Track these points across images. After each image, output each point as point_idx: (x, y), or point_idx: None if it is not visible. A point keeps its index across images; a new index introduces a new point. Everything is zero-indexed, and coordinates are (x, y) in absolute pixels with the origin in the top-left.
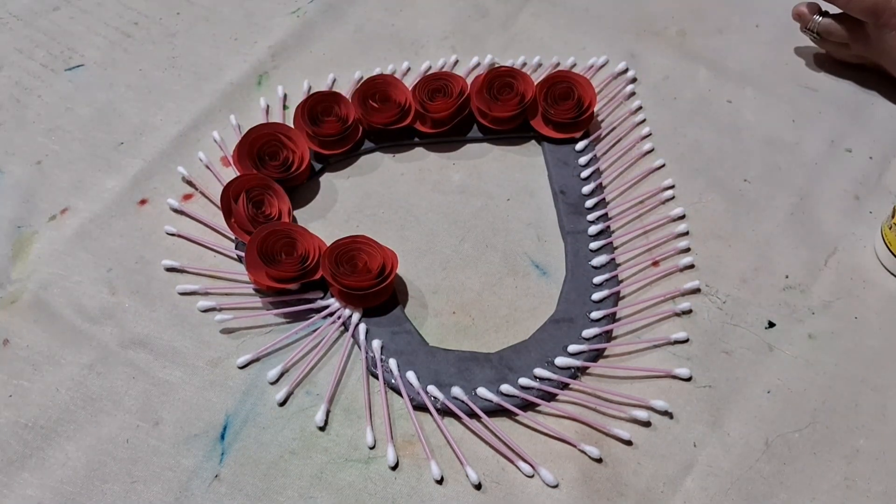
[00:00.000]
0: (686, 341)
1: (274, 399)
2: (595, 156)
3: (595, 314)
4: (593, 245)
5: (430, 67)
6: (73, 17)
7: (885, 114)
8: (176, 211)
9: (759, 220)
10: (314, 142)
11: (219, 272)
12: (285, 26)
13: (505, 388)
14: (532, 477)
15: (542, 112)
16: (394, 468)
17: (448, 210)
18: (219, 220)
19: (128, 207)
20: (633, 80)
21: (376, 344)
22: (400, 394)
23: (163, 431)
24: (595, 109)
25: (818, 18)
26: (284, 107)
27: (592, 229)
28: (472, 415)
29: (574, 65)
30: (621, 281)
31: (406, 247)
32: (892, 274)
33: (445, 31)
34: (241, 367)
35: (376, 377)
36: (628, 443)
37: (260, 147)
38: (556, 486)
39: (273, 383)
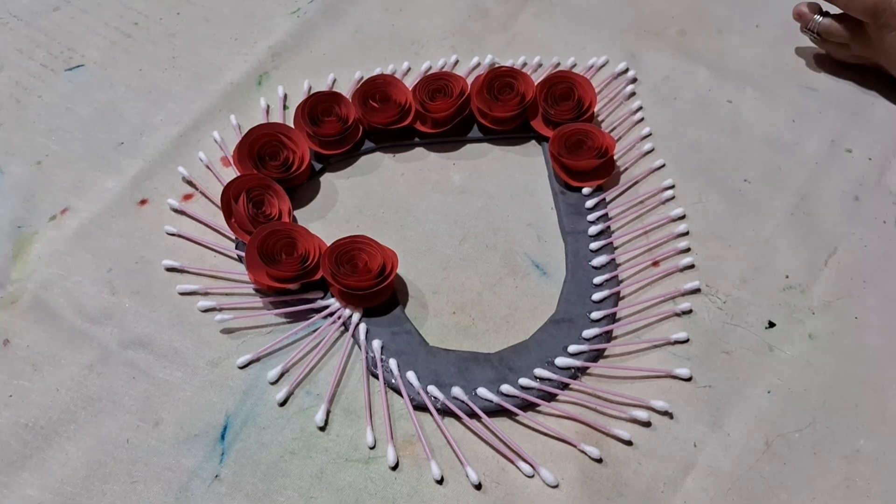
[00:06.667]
0: (686, 341)
1: (274, 399)
2: None
3: (595, 314)
4: (593, 245)
5: (430, 67)
6: (73, 17)
7: (885, 114)
8: (176, 211)
9: (759, 220)
10: (314, 142)
11: (219, 272)
12: (285, 26)
13: (505, 388)
14: (532, 477)
15: (543, 112)
16: (394, 468)
17: (448, 210)
18: (219, 220)
19: (128, 207)
20: (634, 80)
21: (376, 344)
22: (400, 394)
23: (163, 432)
24: (595, 110)
25: (818, 18)
26: (285, 107)
27: (592, 229)
28: (473, 415)
29: (574, 65)
30: (621, 281)
31: (406, 247)
32: None
33: (445, 31)
34: (242, 367)
35: (376, 377)
36: (628, 443)
37: (260, 147)
38: (556, 487)
39: (273, 383)
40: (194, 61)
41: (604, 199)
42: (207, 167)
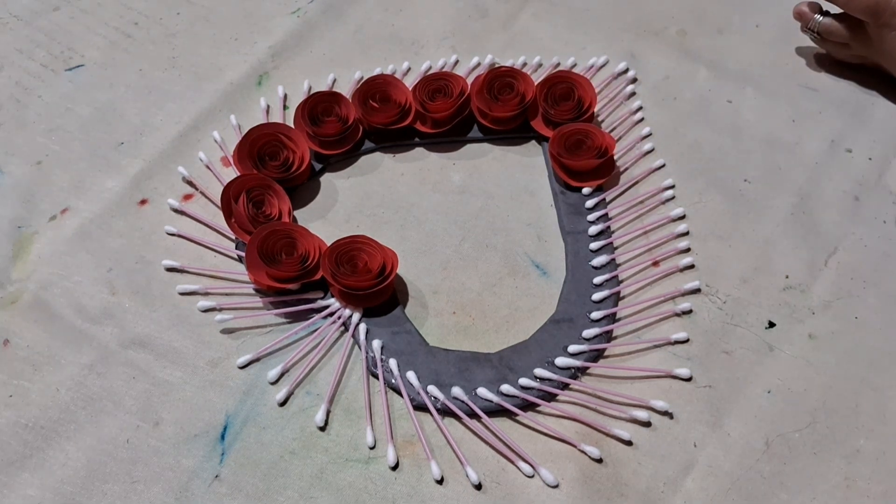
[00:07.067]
0: (686, 341)
1: (274, 399)
2: None
3: (595, 314)
4: (593, 245)
5: (430, 67)
6: (73, 17)
7: (885, 114)
8: (176, 211)
9: (759, 220)
10: (314, 142)
11: (219, 272)
12: (285, 26)
13: (505, 388)
14: (532, 477)
15: (543, 112)
16: (394, 468)
17: (448, 210)
18: (219, 220)
19: (128, 207)
20: (634, 80)
21: (376, 344)
22: (400, 394)
23: (163, 431)
24: (595, 110)
25: (819, 18)
26: (285, 107)
27: (592, 229)
28: (473, 415)
29: (574, 65)
30: (621, 281)
31: (406, 247)
32: None
33: (445, 31)
34: (242, 367)
35: (376, 377)
36: (628, 443)
37: (260, 147)
38: (556, 487)
39: (273, 383)
40: (194, 61)
41: (604, 199)
42: (207, 167)
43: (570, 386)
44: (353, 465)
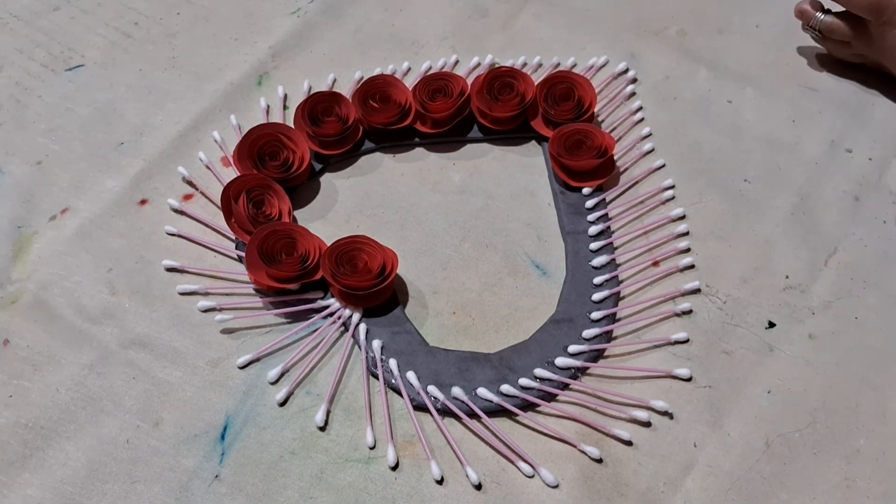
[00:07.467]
0: (686, 341)
1: (274, 399)
2: None
3: (595, 314)
4: (593, 245)
5: (430, 67)
6: (73, 17)
7: (886, 114)
8: (176, 211)
9: (759, 220)
10: (314, 142)
11: (219, 272)
12: (285, 26)
13: (505, 388)
14: (532, 477)
15: (543, 112)
16: (394, 468)
17: (448, 210)
18: (219, 220)
19: (128, 207)
20: (634, 81)
21: (376, 344)
22: (400, 394)
23: (163, 432)
24: (595, 110)
25: (820, 16)
26: (285, 107)
27: (593, 229)
28: (473, 415)
29: (574, 65)
30: (621, 281)
31: (406, 247)
32: None
33: (445, 31)
34: (242, 368)
35: (376, 377)
36: (628, 443)
37: (260, 147)
38: (556, 487)
39: (273, 383)
40: (194, 61)
41: (604, 199)
42: (207, 167)
43: (570, 386)
44: (353, 465)
